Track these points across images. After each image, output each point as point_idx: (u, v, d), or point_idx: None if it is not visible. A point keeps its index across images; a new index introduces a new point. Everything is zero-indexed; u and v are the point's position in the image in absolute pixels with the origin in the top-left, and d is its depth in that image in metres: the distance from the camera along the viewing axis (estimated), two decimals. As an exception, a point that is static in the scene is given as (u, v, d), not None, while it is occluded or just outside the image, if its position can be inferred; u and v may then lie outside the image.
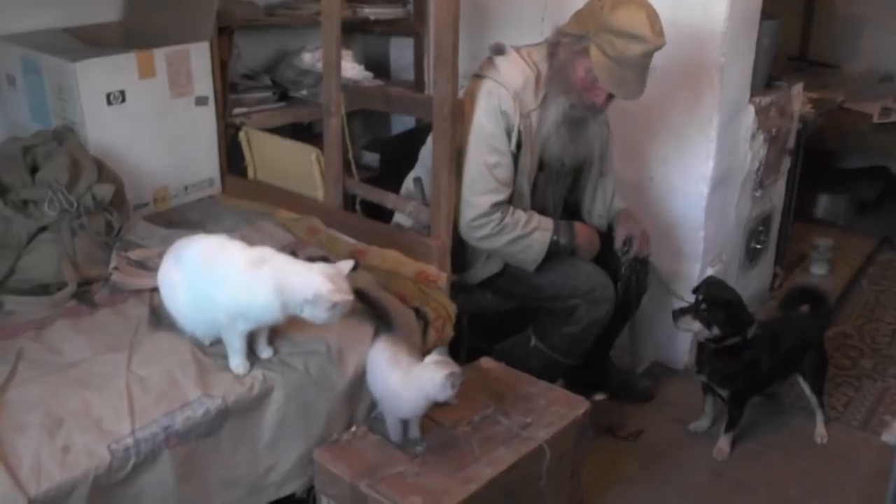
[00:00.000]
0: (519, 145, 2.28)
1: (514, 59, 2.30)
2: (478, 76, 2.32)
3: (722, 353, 2.46)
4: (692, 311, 2.42)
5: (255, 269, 1.74)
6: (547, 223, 2.37)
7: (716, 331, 2.40)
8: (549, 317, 2.46)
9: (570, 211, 2.58)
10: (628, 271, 2.51)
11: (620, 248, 2.49)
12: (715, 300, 2.41)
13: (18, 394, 1.66)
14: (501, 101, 2.24)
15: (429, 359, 1.79)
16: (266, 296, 1.71)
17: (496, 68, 2.29)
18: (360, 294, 1.87)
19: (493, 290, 2.49)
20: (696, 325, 2.41)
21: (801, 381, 2.62)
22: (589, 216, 2.58)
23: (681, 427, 2.69)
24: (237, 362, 1.79)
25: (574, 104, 2.28)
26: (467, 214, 2.28)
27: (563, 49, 2.25)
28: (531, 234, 2.33)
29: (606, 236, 2.54)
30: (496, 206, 2.28)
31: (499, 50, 2.33)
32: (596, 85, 2.22)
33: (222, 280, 1.75)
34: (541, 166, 2.39)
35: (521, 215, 2.32)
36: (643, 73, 2.20)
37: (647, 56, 2.16)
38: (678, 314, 2.45)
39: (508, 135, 2.26)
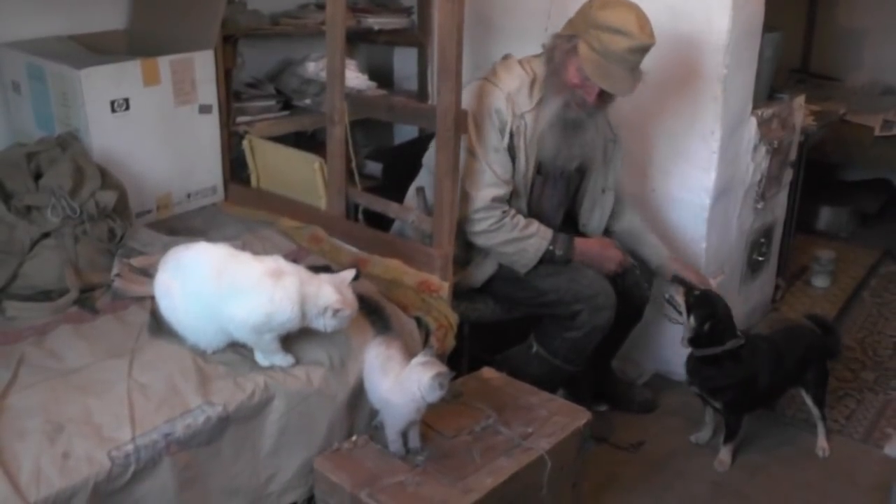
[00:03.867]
0: (512, 146, 2.33)
1: (510, 64, 2.41)
2: (477, 80, 2.40)
3: (706, 362, 2.47)
4: (687, 288, 2.48)
5: (276, 280, 1.75)
6: (546, 232, 2.40)
7: (692, 321, 2.42)
8: (551, 322, 2.46)
9: (571, 222, 2.59)
10: (631, 279, 2.53)
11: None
12: (706, 300, 2.45)
13: (19, 399, 1.66)
14: (494, 100, 2.33)
15: (415, 361, 1.79)
16: (291, 308, 1.75)
17: (494, 72, 2.39)
18: (358, 298, 1.88)
19: (495, 296, 2.50)
20: (680, 301, 2.46)
21: (803, 393, 2.62)
22: (584, 229, 2.59)
23: (682, 438, 2.68)
24: (282, 359, 1.83)
25: (567, 103, 2.34)
26: (467, 207, 2.33)
27: (557, 52, 2.33)
28: (528, 239, 2.37)
29: None
30: (496, 200, 2.33)
31: (503, 58, 2.45)
32: (587, 83, 2.27)
33: (241, 292, 1.76)
34: (539, 169, 2.42)
35: (520, 220, 2.37)
36: (632, 71, 2.25)
37: (634, 52, 2.21)
38: (676, 280, 2.52)
39: (501, 132, 2.33)
